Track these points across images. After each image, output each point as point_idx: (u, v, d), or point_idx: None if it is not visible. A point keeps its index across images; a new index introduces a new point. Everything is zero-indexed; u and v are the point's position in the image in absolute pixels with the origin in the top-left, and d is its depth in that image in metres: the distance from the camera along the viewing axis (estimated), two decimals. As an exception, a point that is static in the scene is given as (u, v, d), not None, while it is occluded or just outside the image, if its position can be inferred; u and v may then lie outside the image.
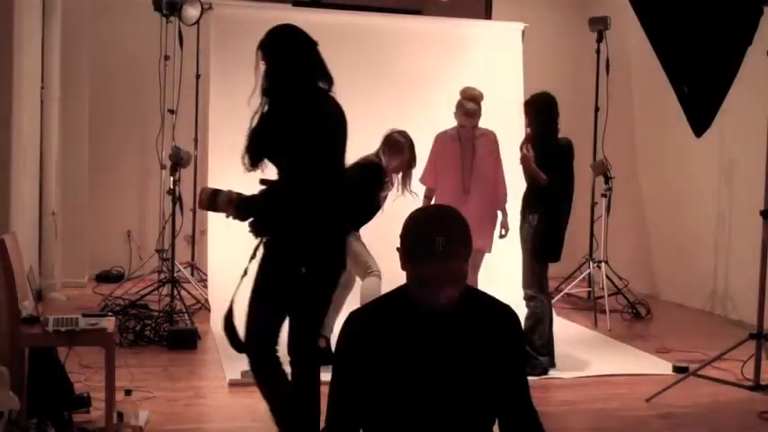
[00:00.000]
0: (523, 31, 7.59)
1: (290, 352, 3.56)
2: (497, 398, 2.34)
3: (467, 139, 5.63)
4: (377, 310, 2.33)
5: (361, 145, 7.07)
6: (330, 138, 3.53)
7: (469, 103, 5.54)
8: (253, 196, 3.50)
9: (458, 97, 5.64)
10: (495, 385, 2.31)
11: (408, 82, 7.14)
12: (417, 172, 5.73)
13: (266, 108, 3.46)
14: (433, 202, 5.63)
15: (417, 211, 2.32)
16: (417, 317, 2.24)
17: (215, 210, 3.56)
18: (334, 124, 3.54)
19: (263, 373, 3.57)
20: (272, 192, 3.47)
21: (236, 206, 3.47)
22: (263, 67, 3.51)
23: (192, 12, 6.66)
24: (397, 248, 2.23)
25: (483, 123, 5.73)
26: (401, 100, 7.06)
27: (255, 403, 4.13)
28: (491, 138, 5.71)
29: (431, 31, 7.44)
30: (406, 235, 2.23)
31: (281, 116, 3.44)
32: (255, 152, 3.48)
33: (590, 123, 7.82)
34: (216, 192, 3.52)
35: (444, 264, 2.15)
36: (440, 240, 2.13)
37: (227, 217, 3.54)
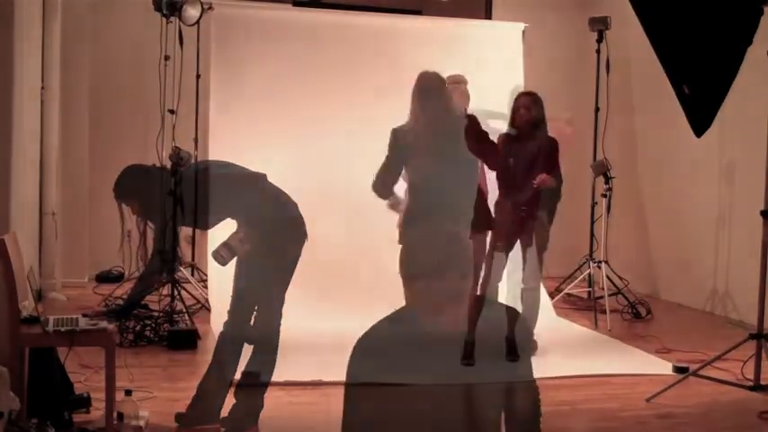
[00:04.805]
0: (523, 31, 7.59)
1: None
2: None
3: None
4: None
5: (361, 144, 7.15)
6: None
7: (462, 85, 5.47)
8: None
9: None
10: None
11: (408, 82, 7.11)
12: None
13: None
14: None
15: None
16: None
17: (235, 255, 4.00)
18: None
19: None
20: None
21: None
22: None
23: (192, 12, 6.65)
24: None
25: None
26: (401, 99, 7.04)
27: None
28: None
29: (431, 31, 7.43)
30: None
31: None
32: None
33: (590, 123, 7.81)
34: (226, 244, 3.96)
35: None
36: None
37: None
